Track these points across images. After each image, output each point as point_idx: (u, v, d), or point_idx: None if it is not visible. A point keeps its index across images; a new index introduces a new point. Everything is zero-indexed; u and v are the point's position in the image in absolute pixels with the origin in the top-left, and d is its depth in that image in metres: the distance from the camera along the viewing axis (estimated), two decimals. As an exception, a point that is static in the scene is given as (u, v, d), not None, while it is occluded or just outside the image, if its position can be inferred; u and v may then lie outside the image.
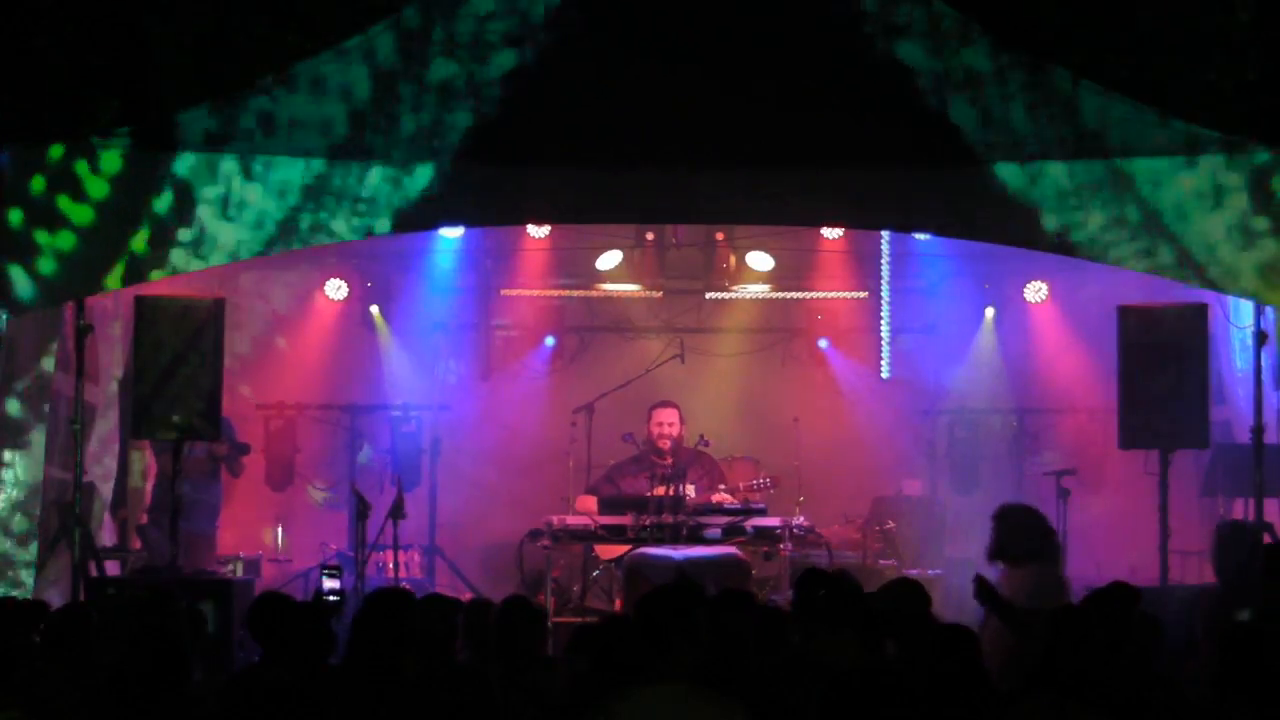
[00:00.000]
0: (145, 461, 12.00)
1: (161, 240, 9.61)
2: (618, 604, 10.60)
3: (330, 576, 8.24)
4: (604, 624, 6.27)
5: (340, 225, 9.77)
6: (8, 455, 9.74)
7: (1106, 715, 4.98)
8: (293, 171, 9.67)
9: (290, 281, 13.16)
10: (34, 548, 9.74)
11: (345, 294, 13.30)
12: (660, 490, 10.80)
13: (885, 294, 13.44)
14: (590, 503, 11.24)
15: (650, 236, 13.12)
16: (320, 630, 6.16)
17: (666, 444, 11.50)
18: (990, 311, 13.24)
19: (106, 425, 11.27)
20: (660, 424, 11.60)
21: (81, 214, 9.53)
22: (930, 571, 11.56)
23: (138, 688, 5.32)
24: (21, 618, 6.85)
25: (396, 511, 10.86)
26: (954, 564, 12.22)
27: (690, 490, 11.05)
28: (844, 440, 13.09)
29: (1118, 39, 9.84)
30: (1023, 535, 8.28)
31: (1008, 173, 9.71)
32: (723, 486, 11.26)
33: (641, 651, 5.19)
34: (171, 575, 9.80)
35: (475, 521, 13.11)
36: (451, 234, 12.53)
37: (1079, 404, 12.94)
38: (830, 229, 12.60)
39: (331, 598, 8.08)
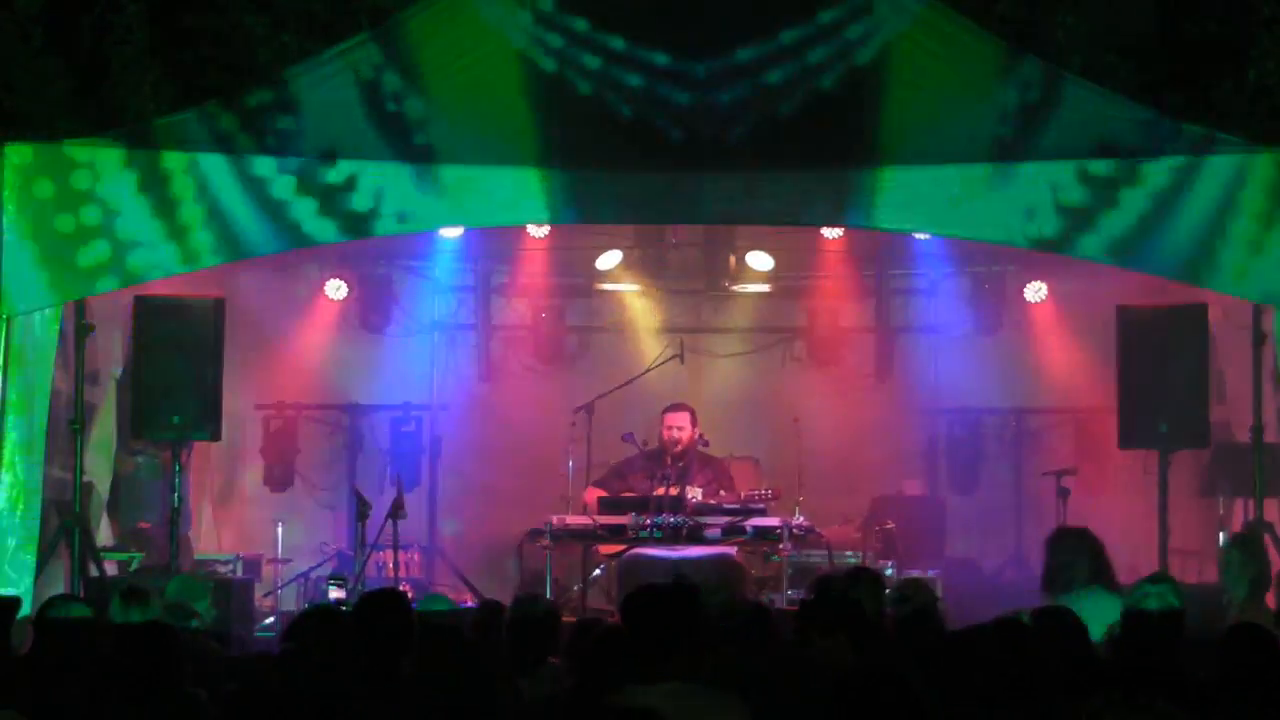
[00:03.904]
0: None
1: None
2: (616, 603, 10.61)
3: (336, 587, 8.26)
4: (605, 625, 6.25)
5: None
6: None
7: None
8: None
9: (290, 281, 13.15)
10: (33, 547, 9.73)
11: (345, 294, 13.29)
12: (661, 490, 10.80)
13: (886, 294, 13.44)
14: (596, 495, 11.27)
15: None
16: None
17: (678, 448, 11.48)
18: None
19: (107, 425, 11.27)
20: (670, 428, 11.59)
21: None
22: (930, 571, 11.56)
23: (130, 687, 5.33)
24: None
25: (396, 511, 10.86)
26: (954, 564, 12.23)
27: (697, 493, 11.05)
28: (844, 440, 13.07)
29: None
30: (1073, 564, 8.09)
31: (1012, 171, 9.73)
32: (723, 493, 11.26)
33: (641, 652, 5.19)
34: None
35: (475, 521, 13.12)
36: (451, 234, 12.53)
37: (1079, 404, 12.91)
38: (830, 229, 12.59)
39: (340, 608, 8.09)
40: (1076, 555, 7.79)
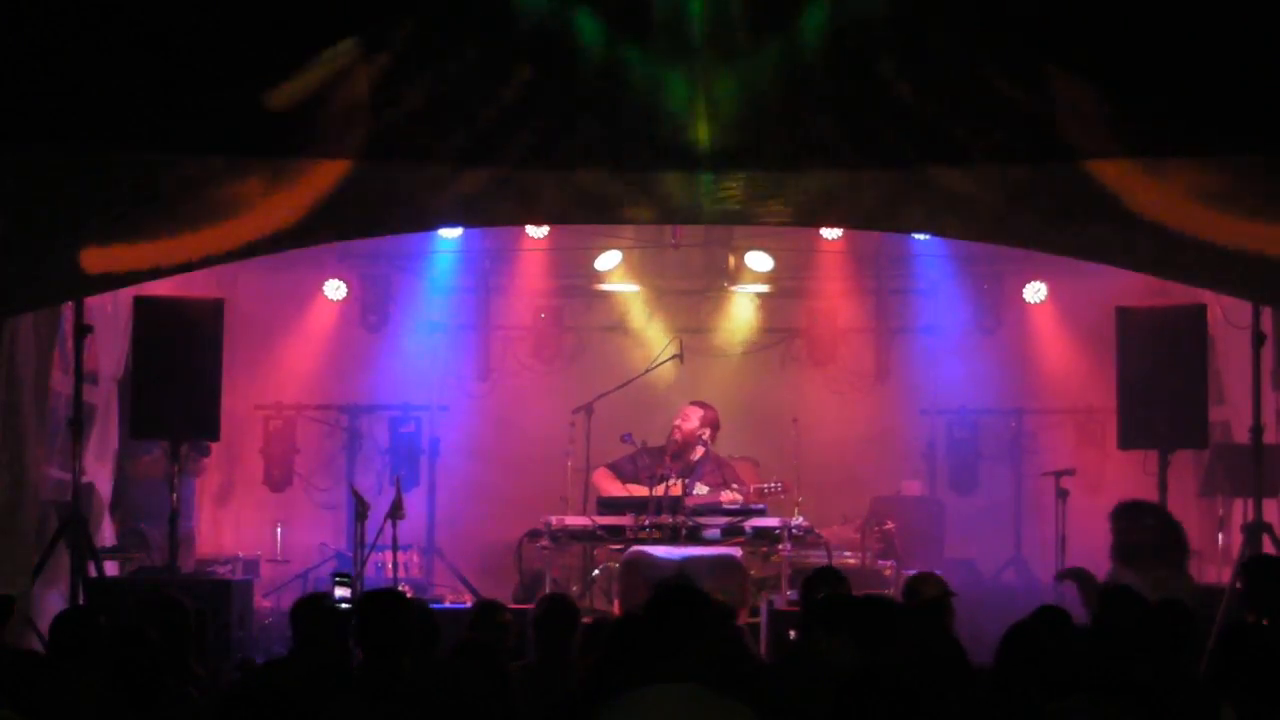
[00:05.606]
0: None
1: None
2: (615, 603, 10.61)
3: (341, 585, 8.24)
4: (614, 622, 6.26)
5: None
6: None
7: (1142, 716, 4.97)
8: None
9: (290, 281, 13.15)
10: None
11: (345, 294, 13.30)
12: (660, 490, 10.79)
13: (885, 294, 13.45)
14: (604, 476, 11.31)
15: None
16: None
17: (678, 435, 11.47)
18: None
19: (106, 425, 11.26)
20: (675, 418, 11.57)
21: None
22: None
23: (135, 688, 5.34)
24: None
25: (396, 511, 10.85)
26: (953, 564, 12.23)
27: (704, 489, 11.06)
28: (844, 440, 13.09)
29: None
30: (1143, 536, 8.10)
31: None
32: (734, 485, 11.24)
33: (650, 651, 5.18)
34: (169, 576, 9.81)
35: (475, 521, 13.12)
36: (451, 234, 12.52)
37: (1079, 404, 12.94)
38: (830, 229, 12.58)
39: (343, 605, 8.08)
40: (1135, 529, 7.81)
